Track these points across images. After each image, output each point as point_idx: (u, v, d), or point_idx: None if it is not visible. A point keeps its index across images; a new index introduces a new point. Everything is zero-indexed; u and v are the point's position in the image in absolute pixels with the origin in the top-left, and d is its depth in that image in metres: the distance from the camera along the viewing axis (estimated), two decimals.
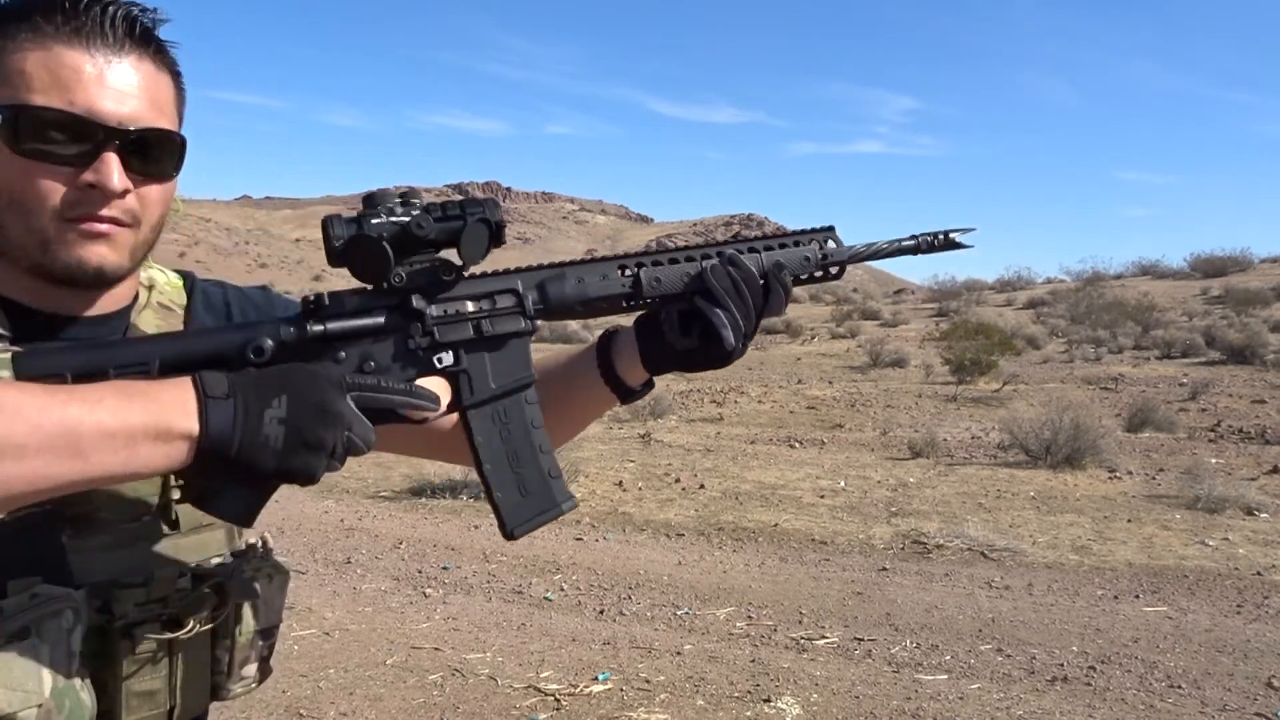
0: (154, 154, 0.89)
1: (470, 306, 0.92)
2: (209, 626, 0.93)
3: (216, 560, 0.96)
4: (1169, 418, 12.10)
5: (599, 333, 1.14)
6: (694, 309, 0.97)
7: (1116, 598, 5.37)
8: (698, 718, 3.68)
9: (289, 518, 7.11)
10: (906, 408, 14.15)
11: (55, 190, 0.84)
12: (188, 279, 1.09)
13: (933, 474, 8.94)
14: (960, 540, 6.39)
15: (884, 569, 5.94)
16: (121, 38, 0.87)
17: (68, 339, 0.91)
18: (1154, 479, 8.66)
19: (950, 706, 3.80)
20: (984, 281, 37.64)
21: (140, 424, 0.72)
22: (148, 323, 0.99)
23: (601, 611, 5.05)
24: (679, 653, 4.38)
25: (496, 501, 0.96)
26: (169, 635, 0.89)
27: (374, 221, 0.86)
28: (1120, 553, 6.29)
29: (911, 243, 1.09)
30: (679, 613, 5.03)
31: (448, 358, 0.92)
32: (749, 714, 3.71)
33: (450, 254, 0.91)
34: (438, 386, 0.91)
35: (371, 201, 0.88)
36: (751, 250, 1.03)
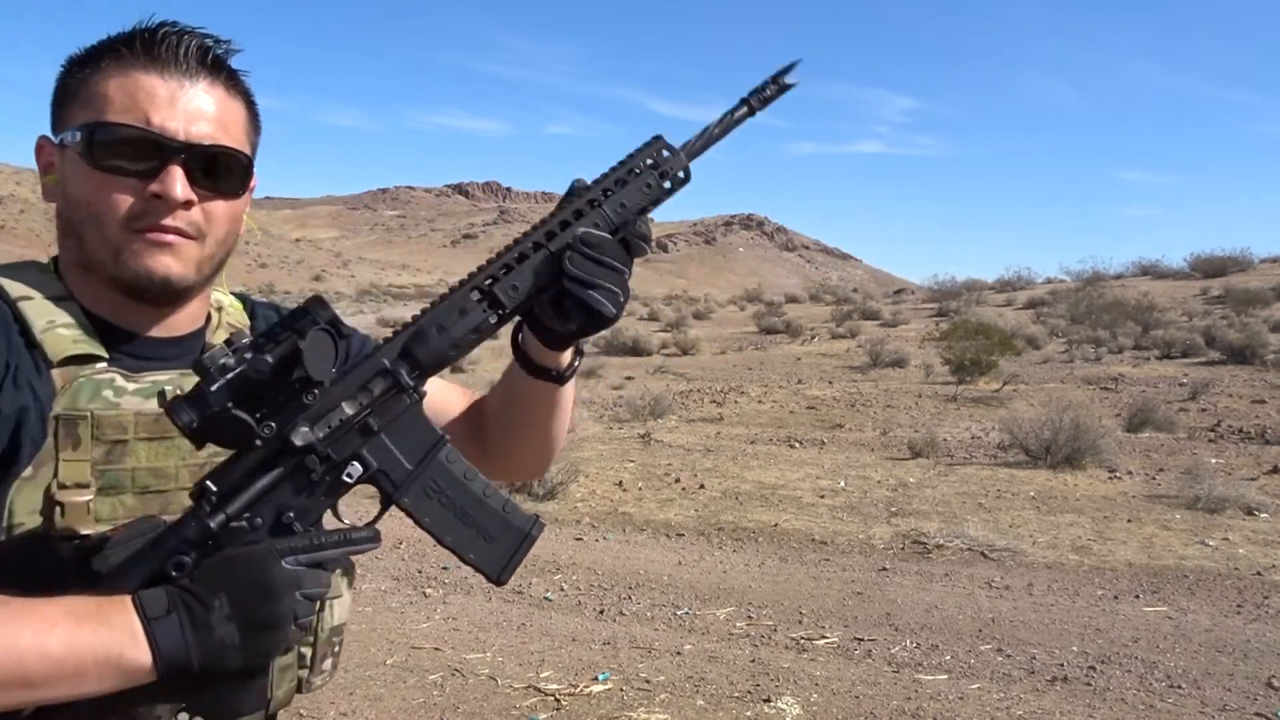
0: (219, 171, 0.95)
1: (349, 410, 0.88)
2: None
3: None
4: (1169, 418, 12.10)
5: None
6: (565, 293, 0.93)
7: (1116, 598, 5.37)
8: (698, 718, 3.67)
9: None
10: (906, 408, 14.15)
11: (125, 201, 0.91)
12: (246, 301, 1.15)
13: (933, 474, 8.94)
14: (960, 540, 6.39)
15: (884, 569, 5.94)
16: (195, 66, 0.95)
17: (147, 358, 0.97)
18: (1154, 479, 8.66)
19: (950, 706, 3.80)
20: (984, 281, 37.67)
21: (90, 653, 0.73)
22: (221, 341, 1.00)
23: (601, 611, 5.05)
24: (679, 653, 4.38)
25: (472, 562, 0.98)
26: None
27: (214, 390, 0.80)
28: (1120, 553, 6.28)
29: (744, 110, 1.01)
30: (679, 613, 5.03)
31: (355, 468, 0.91)
32: (749, 714, 3.71)
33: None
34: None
35: (200, 367, 0.82)
36: (594, 206, 0.95)
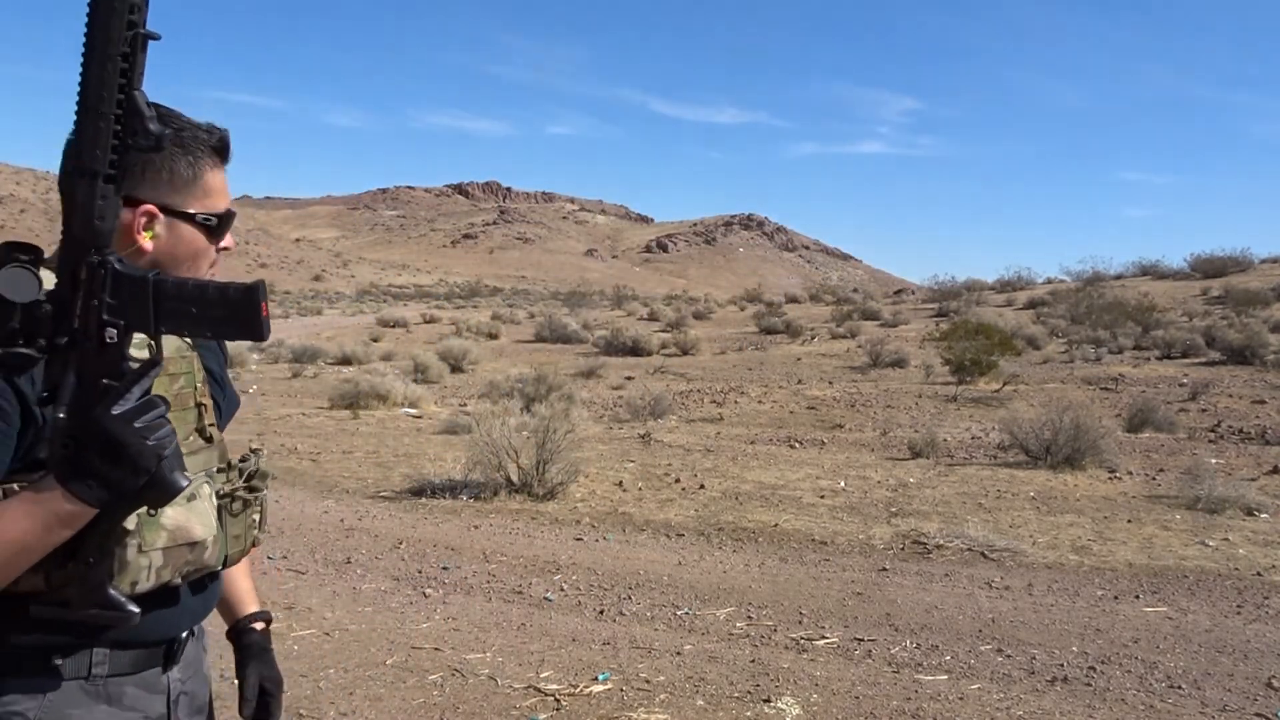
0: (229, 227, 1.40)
1: (87, 299, 1.10)
2: (257, 495, 1.43)
3: (238, 457, 1.43)
4: (1169, 418, 12.10)
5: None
6: None
7: (1116, 598, 5.37)
8: (698, 718, 3.67)
9: (289, 518, 7.10)
10: (906, 408, 14.15)
11: (211, 258, 1.36)
12: None
13: (933, 474, 8.94)
14: (960, 540, 6.39)
15: (884, 569, 5.94)
16: (223, 160, 1.36)
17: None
18: (1154, 479, 8.66)
19: (950, 707, 3.80)
20: (984, 282, 37.69)
21: (46, 519, 1.08)
22: None
23: (601, 611, 5.04)
24: (679, 653, 4.38)
25: (226, 336, 1.25)
26: (248, 498, 1.41)
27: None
28: (1120, 553, 6.28)
29: None
30: (679, 613, 5.03)
31: (111, 331, 1.11)
32: (749, 714, 3.70)
33: None
34: None
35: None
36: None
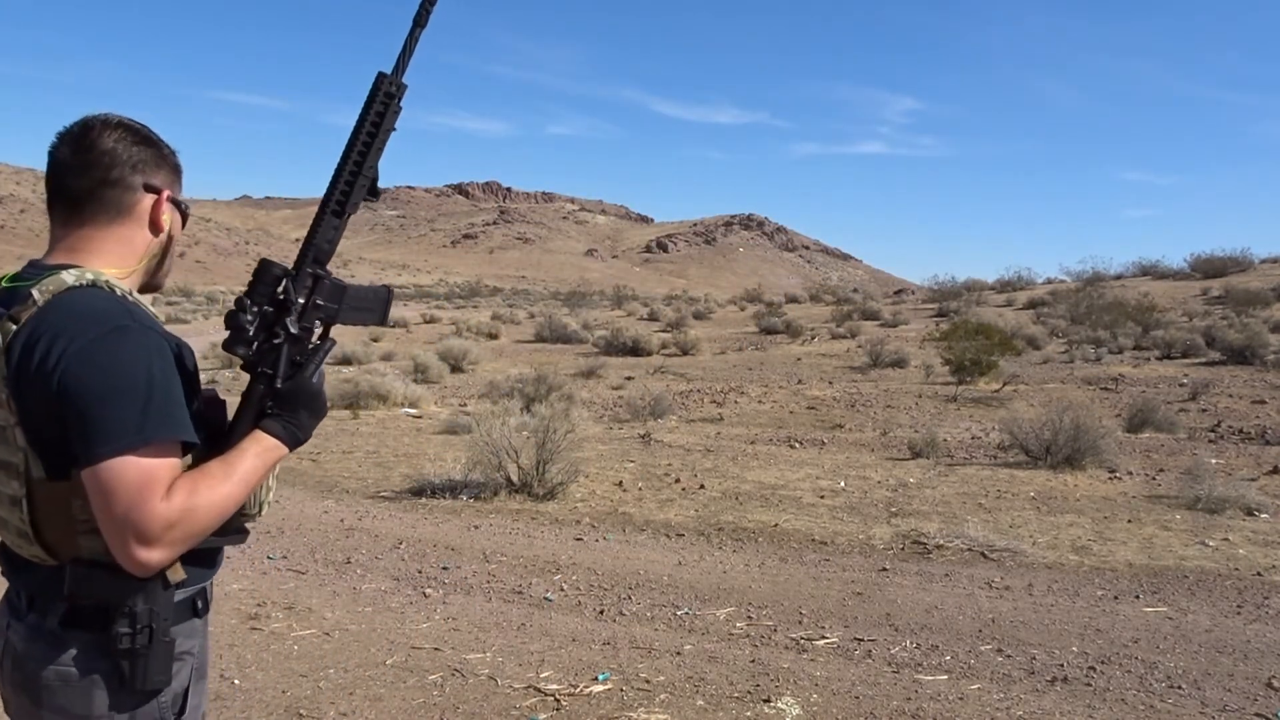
0: None
1: (305, 301, 1.55)
2: None
3: None
4: (1169, 418, 12.10)
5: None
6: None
7: (1116, 598, 5.37)
8: (698, 718, 3.67)
9: (289, 518, 7.10)
10: (906, 408, 14.15)
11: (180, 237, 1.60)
12: None
13: (933, 474, 8.94)
14: (960, 540, 6.39)
15: (884, 569, 5.94)
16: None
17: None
18: (1154, 479, 8.65)
19: (950, 707, 3.80)
20: (984, 282, 37.71)
21: (268, 464, 1.46)
22: None
23: (601, 611, 5.04)
24: (679, 653, 4.38)
25: (370, 322, 1.70)
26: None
27: (250, 325, 1.50)
28: (1120, 553, 6.28)
29: (414, 32, 1.54)
30: (679, 613, 5.03)
31: (318, 326, 1.59)
32: (749, 714, 3.70)
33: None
34: None
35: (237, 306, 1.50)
36: (361, 160, 1.54)
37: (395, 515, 7.26)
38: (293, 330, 1.49)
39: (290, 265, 1.52)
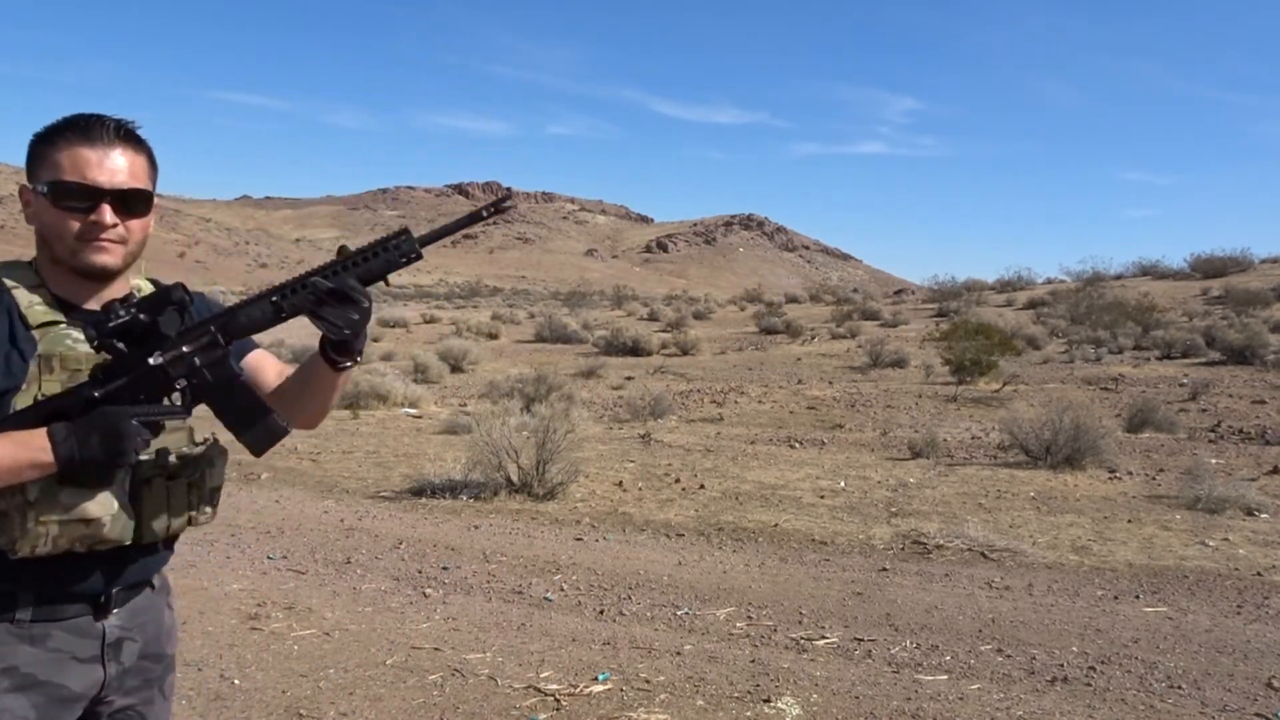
0: (132, 203, 1.55)
1: (186, 348, 1.48)
2: (186, 481, 1.59)
3: (187, 447, 1.61)
4: (1169, 418, 12.10)
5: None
6: (317, 315, 1.50)
7: (1116, 598, 5.37)
8: (698, 718, 3.67)
9: (289, 518, 7.10)
10: (906, 408, 14.15)
11: (74, 226, 1.52)
12: (159, 286, 1.69)
13: (933, 474, 8.94)
14: (960, 540, 6.39)
15: (884, 569, 5.94)
16: (112, 138, 1.53)
17: (87, 317, 1.53)
18: (1154, 479, 8.66)
19: (950, 707, 3.80)
20: (984, 282, 37.71)
21: (26, 462, 1.39)
22: None
23: (601, 611, 5.04)
24: (679, 653, 4.38)
25: (241, 439, 1.56)
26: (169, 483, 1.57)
27: (109, 326, 1.44)
28: (1120, 553, 6.28)
29: (467, 217, 1.51)
30: (679, 613, 5.03)
31: (181, 382, 1.49)
32: (749, 714, 3.70)
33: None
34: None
35: (105, 308, 1.46)
36: (340, 270, 1.49)
37: (395, 515, 7.26)
38: (151, 361, 1.45)
39: (232, 303, 1.54)
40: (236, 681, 3.93)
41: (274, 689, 3.86)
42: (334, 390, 1.70)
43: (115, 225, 1.52)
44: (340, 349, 1.57)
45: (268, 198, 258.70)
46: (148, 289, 1.69)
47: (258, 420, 1.55)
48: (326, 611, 4.90)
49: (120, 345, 1.43)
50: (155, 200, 1.63)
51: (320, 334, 1.56)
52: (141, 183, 1.57)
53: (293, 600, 5.08)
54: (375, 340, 26.24)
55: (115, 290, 1.59)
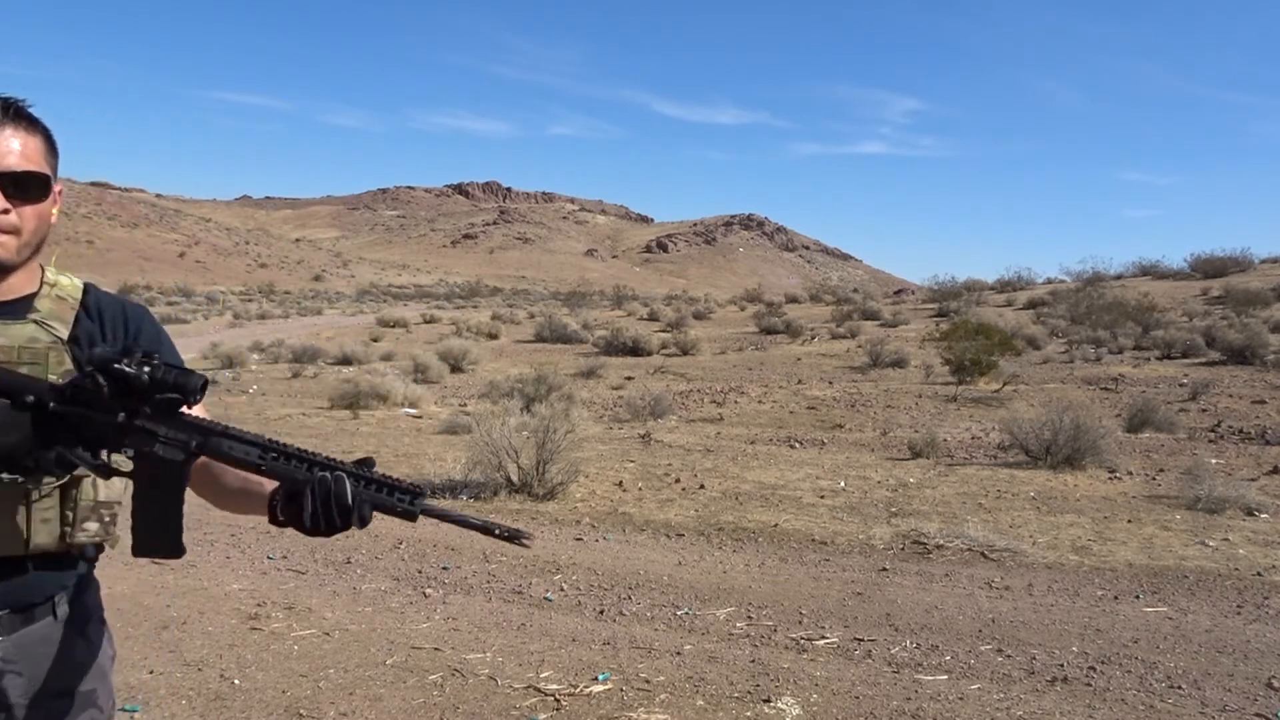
0: (25, 187, 1.40)
1: (162, 431, 1.36)
2: (47, 494, 1.44)
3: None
4: (1169, 418, 12.10)
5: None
6: (295, 493, 1.36)
7: (1116, 598, 5.37)
8: (698, 718, 3.67)
9: None
10: (906, 408, 14.15)
11: None
12: (88, 287, 1.59)
13: (933, 474, 8.94)
14: (960, 540, 6.39)
15: (884, 569, 5.94)
16: (1, 118, 1.40)
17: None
18: (1154, 479, 8.65)
19: (950, 707, 3.80)
20: (984, 282, 37.68)
21: None
22: (44, 306, 1.49)
23: (601, 611, 5.04)
24: (679, 653, 4.38)
25: (133, 528, 1.39)
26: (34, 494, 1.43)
27: (118, 365, 1.33)
28: (1120, 553, 6.28)
29: (483, 528, 1.38)
30: (679, 613, 5.03)
31: (129, 452, 1.37)
32: (749, 714, 3.70)
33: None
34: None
35: (94, 360, 1.34)
36: (355, 479, 1.36)
37: (393, 518, 7.25)
38: (136, 422, 1.34)
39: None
40: (236, 681, 3.93)
41: (274, 689, 3.86)
42: (256, 513, 1.56)
43: (6, 212, 1.39)
44: (299, 529, 1.38)
45: (268, 198, 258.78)
46: (67, 284, 1.56)
47: (166, 535, 1.41)
48: (326, 611, 4.90)
49: (104, 382, 1.32)
50: (57, 187, 1.48)
51: (277, 493, 1.41)
52: (36, 165, 1.42)
53: (293, 600, 5.08)
54: (375, 340, 26.25)
55: (16, 285, 1.47)
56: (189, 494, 1.46)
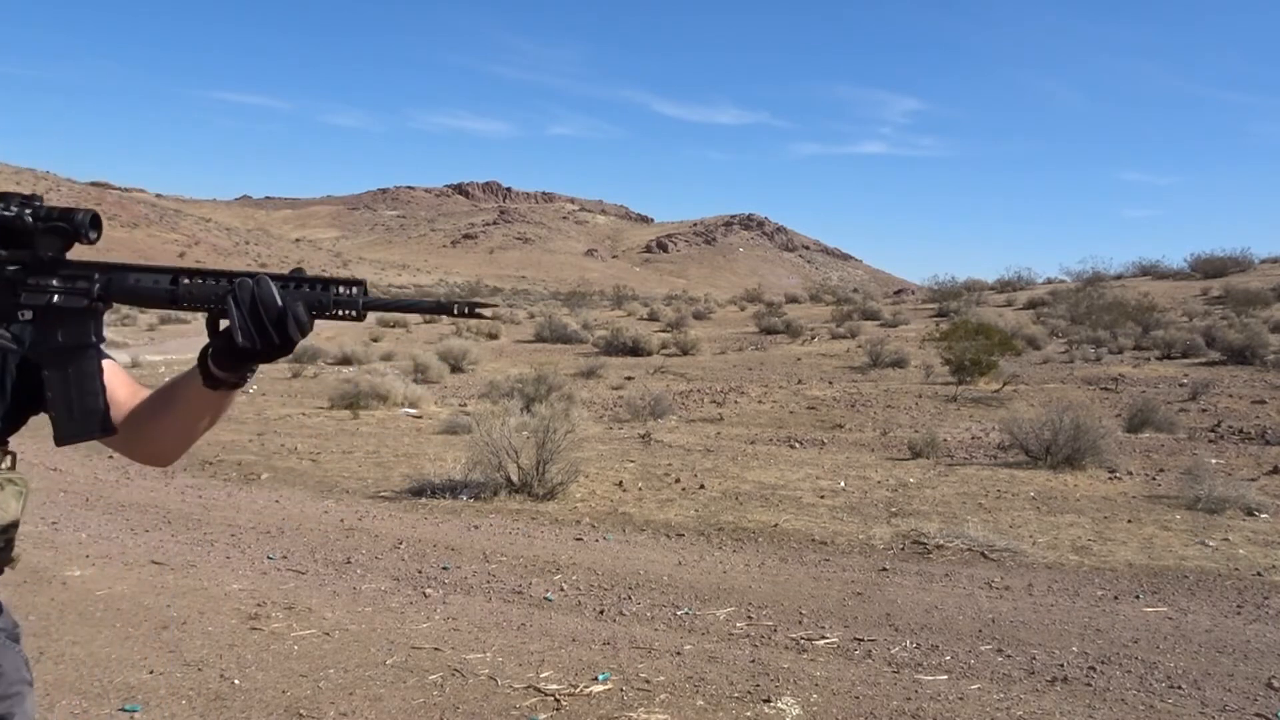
0: None
1: (56, 281, 1.24)
2: None
3: None
4: (1169, 418, 12.10)
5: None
6: (220, 314, 1.24)
7: (1116, 598, 5.37)
8: (698, 718, 3.67)
9: (289, 518, 7.10)
10: (906, 408, 14.15)
11: None
12: None
13: (933, 474, 8.94)
14: (960, 540, 6.39)
15: (884, 569, 5.94)
16: None
17: None
18: (1154, 479, 8.65)
19: (950, 707, 3.80)
20: (984, 282, 37.70)
21: None
22: None
23: (601, 611, 5.04)
24: (679, 653, 4.38)
25: (53, 417, 1.29)
26: None
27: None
28: (1120, 553, 6.28)
29: (434, 306, 1.28)
30: (679, 613, 5.03)
31: (27, 314, 1.25)
32: (749, 714, 3.70)
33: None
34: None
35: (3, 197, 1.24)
36: (285, 285, 1.24)
37: (395, 515, 7.26)
38: (8, 271, 1.24)
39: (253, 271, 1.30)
40: (236, 681, 3.93)
41: (274, 689, 3.86)
42: (204, 415, 1.39)
43: None
44: (237, 356, 1.25)
45: (268, 198, 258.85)
46: None
47: (86, 403, 1.28)
48: (326, 611, 4.90)
49: None
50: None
51: (208, 342, 1.29)
52: None
53: (293, 600, 5.07)
54: (375, 340, 26.26)
55: None
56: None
